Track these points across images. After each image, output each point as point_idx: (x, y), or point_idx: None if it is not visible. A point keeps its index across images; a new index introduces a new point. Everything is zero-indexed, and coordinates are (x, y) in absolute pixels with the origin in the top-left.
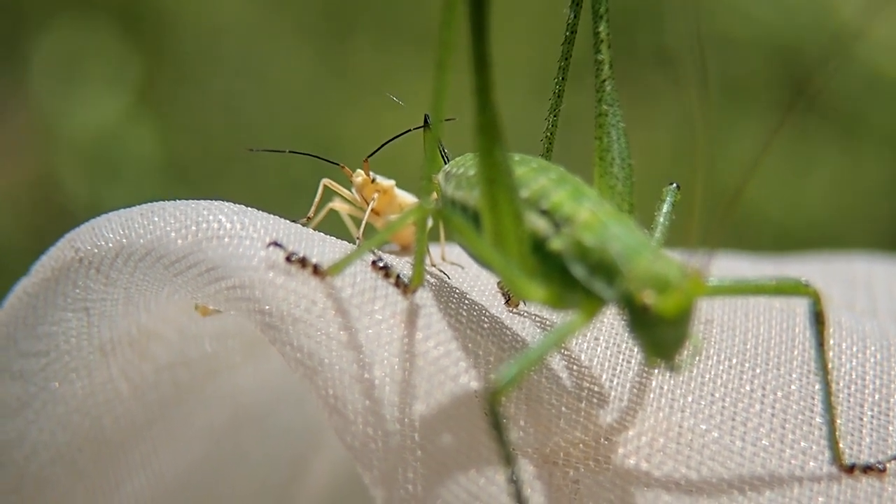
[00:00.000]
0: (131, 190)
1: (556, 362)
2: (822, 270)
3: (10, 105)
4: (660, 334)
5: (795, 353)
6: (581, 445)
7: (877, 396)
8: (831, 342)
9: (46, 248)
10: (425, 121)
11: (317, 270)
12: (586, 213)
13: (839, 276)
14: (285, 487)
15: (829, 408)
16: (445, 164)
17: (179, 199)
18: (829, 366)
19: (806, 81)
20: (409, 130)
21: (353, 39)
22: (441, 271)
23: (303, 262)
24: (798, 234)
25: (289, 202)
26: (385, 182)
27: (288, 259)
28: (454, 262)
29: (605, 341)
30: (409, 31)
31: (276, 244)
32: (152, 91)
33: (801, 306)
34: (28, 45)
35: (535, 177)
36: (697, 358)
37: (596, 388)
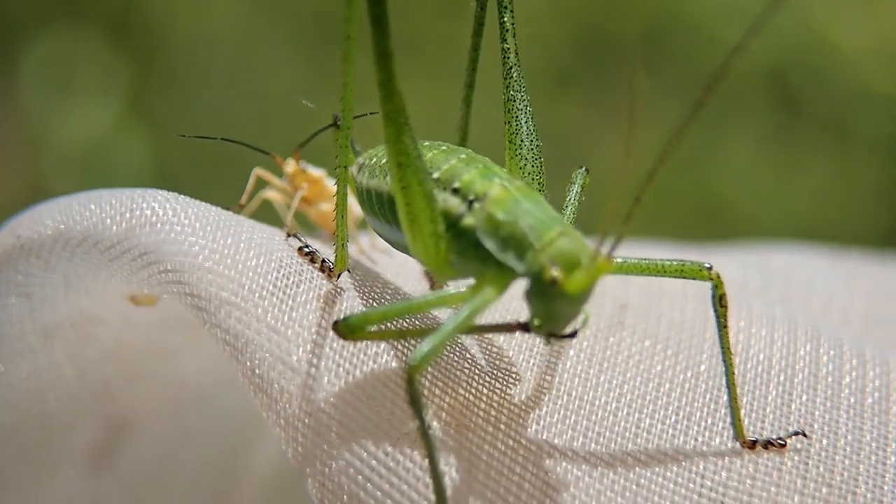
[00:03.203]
0: None
1: (476, 346)
2: (743, 259)
3: (0, 114)
4: (558, 307)
5: (707, 335)
6: (500, 424)
7: (782, 377)
8: (742, 324)
9: None
10: (335, 120)
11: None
12: (498, 188)
13: (758, 265)
14: (228, 467)
15: (730, 386)
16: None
17: None
18: (730, 346)
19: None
20: (331, 126)
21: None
22: (370, 259)
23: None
24: (785, 240)
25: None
26: (315, 172)
27: None
28: (384, 251)
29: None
30: (398, 39)
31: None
32: (143, 99)
33: None
34: (19, 54)
35: (445, 158)
36: (583, 329)
37: (513, 370)
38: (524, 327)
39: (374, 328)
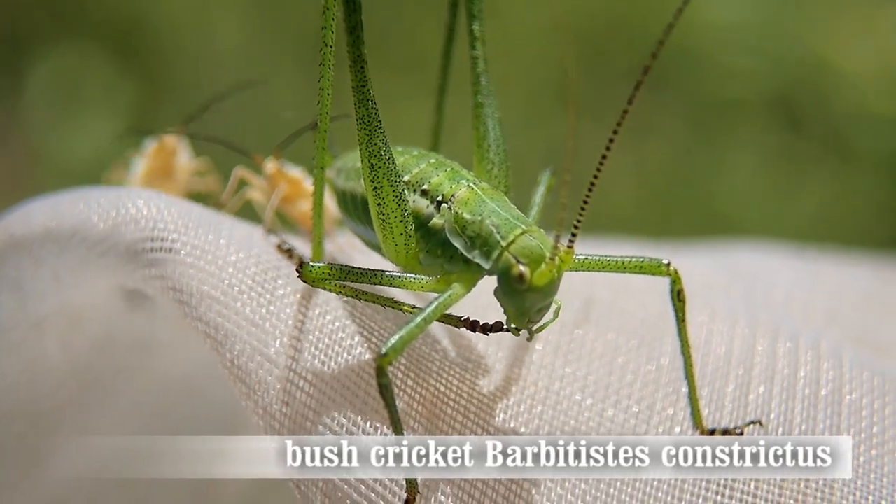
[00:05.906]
0: None
1: (445, 338)
2: (710, 257)
3: (4, 133)
4: (528, 302)
5: (669, 329)
6: (469, 414)
7: (740, 370)
8: (705, 319)
9: None
10: (315, 123)
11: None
12: (465, 190)
13: (725, 262)
14: None
15: (689, 377)
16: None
17: None
18: (689, 339)
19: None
20: (309, 128)
21: (346, 69)
22: (348, 256)
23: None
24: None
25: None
26: (294, 171)
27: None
28: (361, 250)
29: (492, 319)
30: (399, 61)
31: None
32: (148, 117)
33: None
34: (24, 72)
35: (416, 162)
36: (554, 321)
37: (482, 361)
38: (472, 325)
39: (334, 283)
